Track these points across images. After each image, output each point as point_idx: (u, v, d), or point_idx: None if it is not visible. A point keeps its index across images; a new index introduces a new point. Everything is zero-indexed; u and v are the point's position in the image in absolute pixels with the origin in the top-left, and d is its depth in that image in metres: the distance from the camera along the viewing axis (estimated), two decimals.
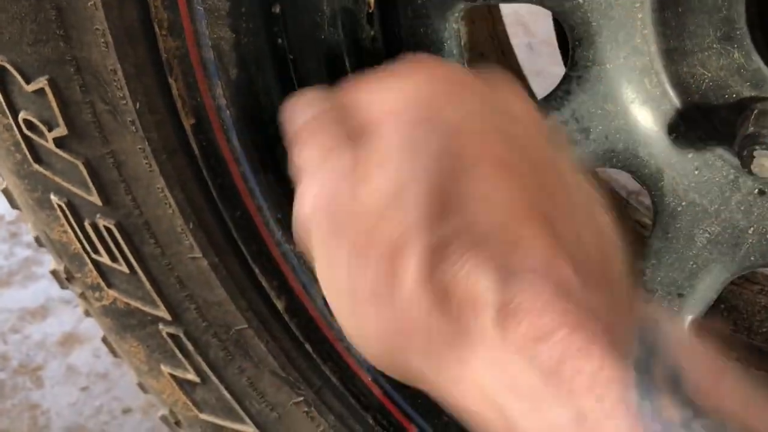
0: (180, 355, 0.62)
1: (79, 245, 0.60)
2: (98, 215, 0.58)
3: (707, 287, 0.57)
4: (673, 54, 0.53)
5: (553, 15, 0.55)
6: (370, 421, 0.62)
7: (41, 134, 0.55)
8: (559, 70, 0.58)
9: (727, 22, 0.51)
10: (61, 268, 0.64)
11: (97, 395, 1.06)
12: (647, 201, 0.60)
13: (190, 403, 0.65)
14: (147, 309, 0.61)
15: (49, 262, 0.65)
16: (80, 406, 1.05)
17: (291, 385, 0.61)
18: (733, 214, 0.56)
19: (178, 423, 0.69)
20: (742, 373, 0.34)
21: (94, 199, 0.57)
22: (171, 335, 0.62)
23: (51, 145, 0.55)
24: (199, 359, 0.62)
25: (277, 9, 0.52)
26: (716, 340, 0.35)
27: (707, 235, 0.56)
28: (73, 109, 0.53)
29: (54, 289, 0.66)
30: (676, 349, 0.34)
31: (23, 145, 0.56)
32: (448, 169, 0.38)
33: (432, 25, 0.54)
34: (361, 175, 0.39)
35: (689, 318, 0.59)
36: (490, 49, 0.80)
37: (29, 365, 1.10)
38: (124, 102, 0.52)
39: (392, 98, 0.41)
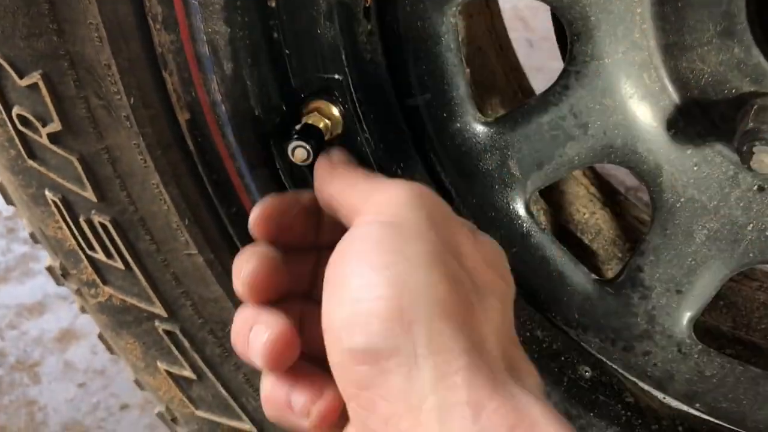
0: (176, 352, 0.62)
1: (74, 241, 0.60)
2: (93, 211, 0.57)
3: (706, 284, 0.57)
4: (673, 49, 0.53)
5: (552, 9, 0.55)
6: None
7: (35, 130, 0.55)
8: (558, 65, 0.58)
9: (727, 16, 0.50)
10: (56, 264, 0.64)
11: (95, 391, 1.06)
12: (646, 197, 0.59)
13: (186, 400, 0.65)
14: (143, 306, 0.61)
15: (46, 258, 0.65)
16: (77, 402, 1.04)
17: None
18: (732, 211, 0.55)
19: (174, 420, 0.69)
20: None
21: (89, 195, 0.56)
22: (167, 332, 0.61)
23: (45, 141, 0.55)
24: (196, 356, 0.62)
25: (272, 3, 0.52)
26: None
27: (706, 231, 0.56)
28: (67, 104, 0.53)
29: (51, 285, 0.66)
30: None
31: (17, 141, 0.56)
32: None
33: (429, 19, 0.54)
34: None
35: (688, 315, 0.58)
36: (488, 43, 0.79)
37: (26, 361, 1.10)
38: (119, 97, 0.52)
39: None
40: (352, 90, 0.54)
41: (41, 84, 0.52)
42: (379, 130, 0.56)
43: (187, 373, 0.63)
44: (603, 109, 0.55)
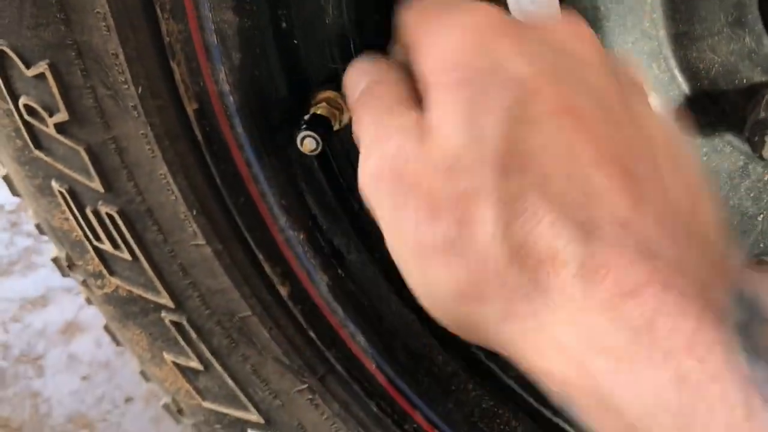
0: (183, 343, 0.62)
1: (80, 232, 0.59)
2: (100, 202, 0.57)
3: None
4: (683, 39, 0.52)
5: None
6: (374, 409, 0.62)
7: (42, 120, 0.54)
8: None
9: (738, 6, 0.50)
10: (62, 255, 0.64)
11: (99, 384, 1.06)
12: None
13: (193, 391, 0.65)
14: (149, 296, 0.61)
15: (50, 251, 0.65)
16: (82, 394, 1.05)
17: (295, 373, 0.61)
18: (742, 201, 0.55)
19: (180, 411, 0.69)
20: None
21: (96, 185, 0.56)
22: (174, 323, 0.61)
23: (52, 131, 0.55)
24: (203, 347, 0.62)
25: None
26: None
27: None
28: (74, 94, 0.52)
29: (55, 278, 0.66)
30: None
31: (24, 131, 0.55)
32: (517, 120, 0.36)
33: None
34: (424, 133, 0.38)
35: None
36: None
37: (30, 354, 1.10)
38: (126, 87, 0.52)
39: (450, 50, 0.39)
40: None
41: (48, 74, 0.52)
42: None
43: (194, 364, 0.63)
44: None
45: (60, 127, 0.54)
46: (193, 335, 0.61)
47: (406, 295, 0.62)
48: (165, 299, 0.60)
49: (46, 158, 0.56)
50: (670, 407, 0.31)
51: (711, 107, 0.54)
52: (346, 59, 0.54)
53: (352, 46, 0.53)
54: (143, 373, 0.70)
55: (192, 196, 0.55)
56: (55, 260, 0.66)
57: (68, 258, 0.63)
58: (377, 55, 0.46)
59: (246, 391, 0.63)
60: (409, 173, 0.38)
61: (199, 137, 0.54)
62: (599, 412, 0.34)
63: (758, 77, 0.51)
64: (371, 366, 0.61)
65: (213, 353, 0.62)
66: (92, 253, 0.60)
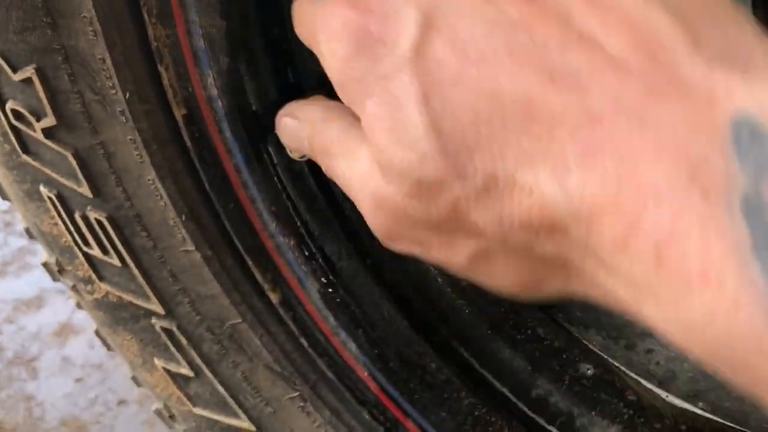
0: (173, 349, 0.62)
1: (69, 237, 0.59)
2: (89, 207, 0.57)
3: None
4: None
5: None
6: (366, 416, 0.61)
7: (29, 124, 0.54)
8: None
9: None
10: (52, 260, 0.63)
11: (92, 386, 1.05)
12: None
13: (184, 398, 0.65)
14: (139, 302, 0.60)
15: (43, 252, 0.64)
16: (75, 397, 1.04)
17: (286, 380, 0.60)
18: None
19: (172, 417, 0.68)
20: None
21: (84, 190, 0.56)
22: (164, 329, 0.61)
23: (39, 136, 0.54)
24: (193, 353, 0.61)
25: None
26: None
27: None
28: (61, 99, 0.52)
29: (49, 279, 0.65)
30: None
31: (11, 136, 0.55)
32: (428, 89, 0.34)
33: None
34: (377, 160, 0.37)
35: None
36: None
37: (24, 356, 1.09)
38: (114, 92, 0.51)
39: (329, 56, 0.39)
40: None
41: (35, 78, 0.51)
42: None
43: (185, 370, 0.62)
44: None
45: (48, 132, 0.54)
46: (184, 342, 0.61)
47: (398, 302, 0.62)
48: (155, 305, 0.60)
49: (34, 163, 0.56)
50: (705, 347, 0.29)
51: None
52: None
53: None
54: (135, 379, 0.69)
55: (181, 202, 0.55)
56: (45, 265, 0.65)
57: (58, 263, 0.63)
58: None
59: (237, 398, 0.62)
60: (389, 203, 0.37)
61: (188, 142, 0.54)
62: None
63: None
64: (363, 373, 0.61)
65: (203, 360, 0.61)
66: (81, 258, 0.60)
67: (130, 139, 0.53)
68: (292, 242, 0.57)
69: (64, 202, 0.57)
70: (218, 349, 0.60)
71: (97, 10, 0.48)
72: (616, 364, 0.61)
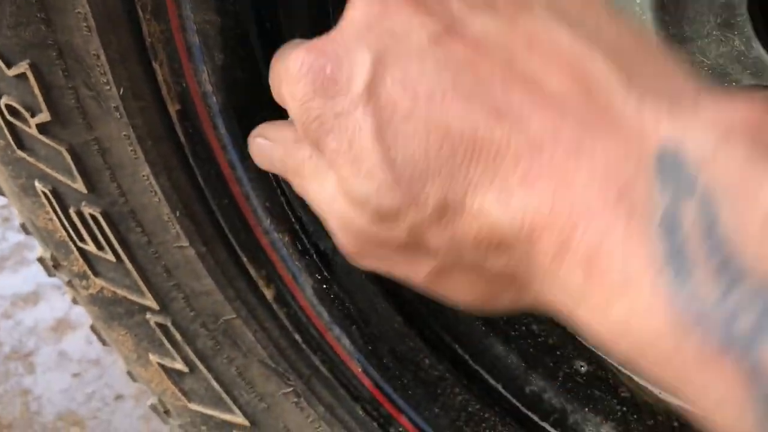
0: (168, 345, 0.62)
1: (64, 233, 0.59)
2: (83, 203, 0.57)
3: None
4: (672, 41, 0.52)
5: None
6: (360, 412, 0.61)
7: (24, 120, 0.54)
8: None
9: (727, 8, 0.49)
10: (47, 255, 0.63)
11: (89, 381, 1.05)
12: None
13: (178, 393, 0.65)
14: (134, 298, 0.60)
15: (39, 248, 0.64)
16: (72, 392, 1.04)
17: (280, 376, 0.60)
18: None
19: (167, 412, 0.69)
20: None
21: (79, 186, 0.56)
22: (159, 324, 0.61)
23: (34, 131, 0.54)
24: (188, 349, 0.61)
25: None
26: None
27: None
28: (55, 95, 0.52)
29: (46, 274, 0.66)
30: (711, 175, 0.29)
31: (6, 131, 0.55)
32: (380, 127, 0.37)
33: None
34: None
35: None
36: None
37: (21, 351, 1.10)
38: (108, 87, 0.51)
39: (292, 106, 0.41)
40: None
41: (29, 74, 0.51)
42: None
43: (179, 365, 0.63)
44: None
45: (42, 128, 0.54)
46: (178, 337, 0.61)
47: (393, 299, 0.62)
48: (149, 301, 0.60)
49: (29, 158, 0.56)
50: (624, 347, 0.31)
51: None
52: None
53: None
54: (130, 374, 0.69)
55: (175, 198, 0.55)
56: (41, 260, 0.66)
57: (53, 258, 0.63)
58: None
59: (231, 393, 0.62)
60: (353, 226, 0.40)
61: (182, 138, 0.54)
62: None
63: (747, 80, 0.51)
64: (357, 369, 0.61)
65: (198, 355, 0.61)
66: (76, 253, 0.60)
67: (125, 135, 0.53)
68: (286, 238, 0.57)
69: (59, 197, 0.57)
70: (213, 345, 0.60)
71: (92, 6, 0.48)
72: (610, 360, 0.61)
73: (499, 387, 0.62)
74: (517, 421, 0.62)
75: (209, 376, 0.62)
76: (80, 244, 0.59)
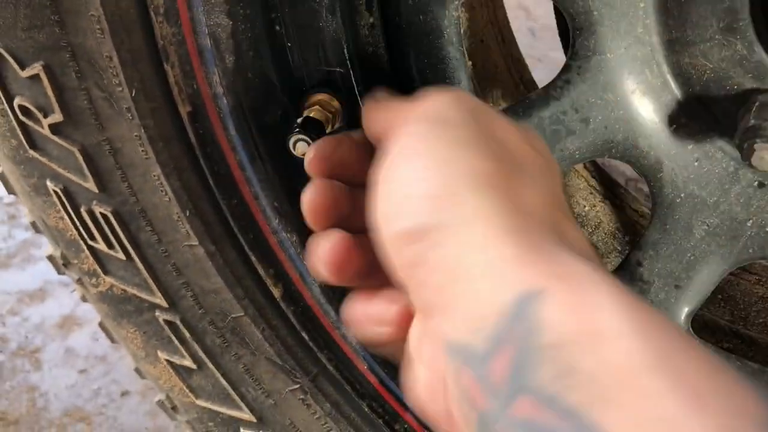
0: (177, 342, 0.62)
1: (75, 232, 0.60)
2: (94, 202, 0.57)
3: (705, 279, 0.57)
4: (675, 44, 0.52)
5: (554, 2, 0.54)
6: (366, 409, 0.62)
7: (37, 120, 0.55)
8: (560, 55, 0.58)
9: (729, 12, 0.50)
10: (57, 253, 0.64)
11: (96, 378, 1.06)
12: (646, 189, 0.59)
13: (186, 389, 0.65)
14: (143, 296, 0.61)
15: (47, 244, 0.65)
16: (78, 388, 1.05)
17: (287, 373, 0.61)
18: (732, 207, 0.55)
19: (174, 408, 0.69)
20: None
21: (90, 185, 0.56)
22: (168, 322, 0.62)
23: (47, 132, 0.55)
24: (196, 346, 0.62)
25: None
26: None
27: (706, 227, 0.56)
28: (68, 96, 0.53)
29: (53, 271, 0.66)
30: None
31: (19, 131, 0.56)
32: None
33: (431, 12, 0.54)
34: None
35: (686, 310, 0.59)
36: (491, 35, 0.79)
37: (28, 347, 1.10)
38: (120, 89, 0.52)
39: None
40: (354, 83, 0.54)
41: (42, 75, 0.52)
42: None
43: (188, 362, 0.63)
44: (605, 104, 0.55)
45: (55, 128, 0.55)
46: (187, 334, 0.61)
47: None
48: (159, 299, 0.60)
49: (41, 158, 0.57)
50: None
51: (703, 113, 0.54)
52: (340, 62, 0.54)
53: (345, 49, 0.54)
54: (138, 371, 0.70)
55: (185, 198, 0.56)
56: (51, 258, 0.66)
57: (63, 256, 0.63)
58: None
59: (239, 390, 0.63)
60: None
61: (193, 139, 0.54)
62: None
63: (749, 84, 0.51)
64: (363, 367, 0.61)
65: (206, 352, 0.62)
66: (87, 252, 0.61)
67: (136, 136, 0.53)
68: (294, 238, 0.58)
69: (71, 196, 0.58)
70: (221, 342, 0.61)
71: (105, 9, 0.49)
72: None
73: None
74: None
75: (217, 373, 0.63)
76: (91, 243, 0.60)
